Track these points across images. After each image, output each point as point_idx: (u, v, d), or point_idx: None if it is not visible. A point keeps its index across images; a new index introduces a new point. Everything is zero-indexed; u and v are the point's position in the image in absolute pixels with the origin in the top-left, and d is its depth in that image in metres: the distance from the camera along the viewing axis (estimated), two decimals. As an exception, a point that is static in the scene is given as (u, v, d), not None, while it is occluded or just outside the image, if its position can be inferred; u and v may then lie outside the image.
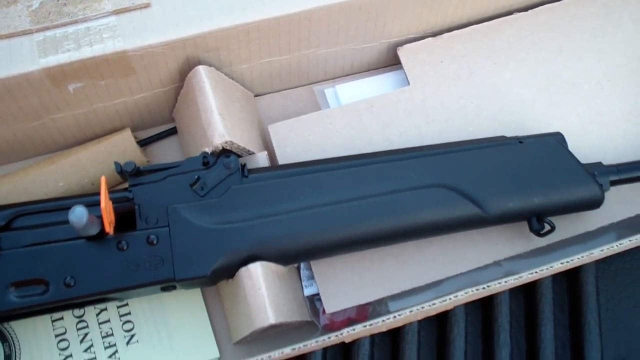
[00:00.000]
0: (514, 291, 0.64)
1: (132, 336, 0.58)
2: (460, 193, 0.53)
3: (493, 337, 0.62)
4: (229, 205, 0.53)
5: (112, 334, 0.58)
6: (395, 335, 0.62)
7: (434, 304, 0.48)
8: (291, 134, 0.60)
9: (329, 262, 0.57)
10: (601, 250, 0.51)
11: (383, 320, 0.47)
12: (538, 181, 0.55)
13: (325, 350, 0.61)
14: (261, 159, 0.58)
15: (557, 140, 0.57)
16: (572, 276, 0.65)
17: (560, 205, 0.55)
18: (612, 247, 0.51)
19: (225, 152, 0.55)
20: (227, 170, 0.54)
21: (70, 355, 0.57)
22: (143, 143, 0.63)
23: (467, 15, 0.64)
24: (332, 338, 0.48)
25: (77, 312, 0.58)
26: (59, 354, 0.57)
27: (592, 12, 0.65)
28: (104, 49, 0.53)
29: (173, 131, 0.64)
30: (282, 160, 0.59)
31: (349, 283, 0.57)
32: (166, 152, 0.64)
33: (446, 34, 0.64)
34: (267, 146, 0.61)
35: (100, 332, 0.58)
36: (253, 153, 0.58)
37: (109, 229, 0.50)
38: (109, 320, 0.58)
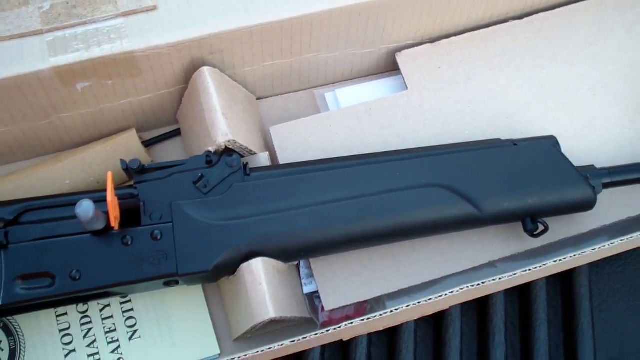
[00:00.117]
0: (509, 293, 0.65)
1: (135, 332, 0.59)
2: (456, 192, 0.55)
3: (488, 337, 0.63)
4: (231, 202, 0.54)
5: (115, 330, 0.59)
6: (392, 335, 0.63)
7: (430, 299, 0.49)
8: (292, 135, 0.62)
9: (328, 261, 0.58)
10: (593, 250, 0.52)
11: (380, 315, 0.49)
12: (532, 182, 0.56)
13: (323, 348, 0.62)
14: (263, 159, 0.60)
15: (551, 143, 0.58)
16: (565, 279, 0.66)
17: (553, 206, 0.56)
18: (604, 246, 0.52)
19: (228, 152, 0.57)
20: (229, 168, 0.55)
21: (74, 350, 0.58)
22: (147, 144, 0.65)
23: (464, 22, 0.66)
24: (331, 332, 0.49)
25: (81, 307, 0.59)
26: (63, 349, 0.58)
27: (585, 20, 0.67)
28: (112, 49, 0.54)
29: (177, 133, 0.66)
30: (283, 160, 0.61)
31: (347, 281, 0.58)
32: (170, 153, 0.66)
33: (443, 40, 0.66)
34: (269, 147, 0.63)
35: (104, 328, 0.59)
36: (255, 153, 0.59)
37: (114, 223, 0.51)
38: (112, 316, 0.59)
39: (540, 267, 0.51)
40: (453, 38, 0.66)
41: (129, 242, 0.53)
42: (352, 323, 0.49)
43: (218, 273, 0.54)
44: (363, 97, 0.66)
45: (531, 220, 0.56)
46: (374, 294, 0.57)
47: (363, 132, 0.62)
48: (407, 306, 0.49)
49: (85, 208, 0.49)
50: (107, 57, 0.54)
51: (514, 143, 0.58)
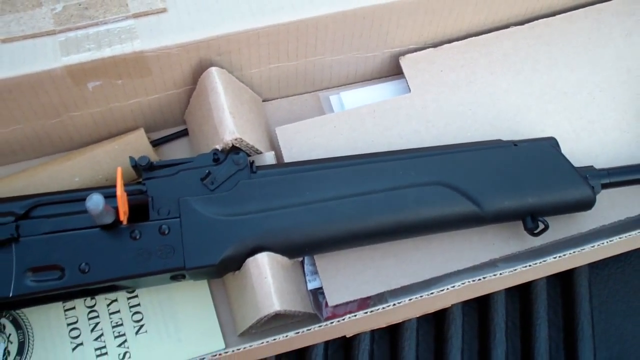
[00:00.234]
0: (510, 293, 0.66)
1: (141, 326, 0.60)
2: (458, 191, 0.56)
3: (489, 335, 0.64)
4: (237, 198, 0.55)
5: (121, 324, 0.60)
6: (394, 332, 0.64)
7: (432, 293, 0.50)
8: (297, 136, 0.63)
9: (332, 258, 0.59)
10: (592, 247, 0.53)
11: (383, 308, 0.50)
12: (532, 182, 0.57)
13: (326, 345, 0.63)
14: (268, 158, 0.61)
15: (550, 144, 0.60)
16: (565, 280, 0.67)
17: (553, 205, 0.58)
18: (603, 243, 0.53)
19: (235, 150, 0.58)
20: (236, 166, 0.57)
21: (81, 344, 0.59)
22: (155, 143, 0.66)
23: (466, 27, 0.68)
24: (335, 324, 0.50)
25: (89, 302, 0.60)
26: (71, 342, 0.59)
27: (584, 27, 0.69)
28: (123, 49, 0.56)
29: (184, 133, 0.67)
30: (288, 160, 0.62)
31: (351, 278, 0.59)
32: (177, 153, 0.67)
33: (446, 45, 0.68)
34: (274, 148, 0.64)
35: (111, 322, 0.60)
36: (261, 152, 0.61)
37: (123, 218, 0.53)
38: (119, 311, 0.60)
39: (540, 263, 0.52)
40: (455, 43, 0.68)
41: (137, 237, 0.54)
42: (355, 316, 0.49)
43: (224, 267, 0.55)
44: (367, 100, 0.67)
45: (531, 219, 0.57)
46: (377, 290, 0.58)
47: (366, 133, 0.63)
48: (410, 300, 0.50)
49: (96, 201, 0.50)
50: (117, 57, 0.56)
51: (515, 144, 0.60)
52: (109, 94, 0.59)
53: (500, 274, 0.51)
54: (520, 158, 0.58)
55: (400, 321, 0.63)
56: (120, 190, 0.51)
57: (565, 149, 0.61)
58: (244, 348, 0.48)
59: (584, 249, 0.53)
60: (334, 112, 0.68)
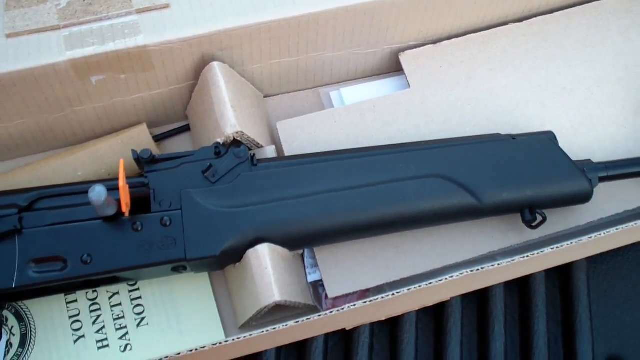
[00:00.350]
0: (509, 287, 0.66)
1: (143, 319, 0.60)
2: (457, 183, 0.57)
3: (488, 328, 0.64)
4: (238, 190, 0.56)
5: (123, 317, 0.60)
6: (394, 325, 0.64)
7: (430, 283, 0.51)
8: (298, 130, 0.64)
9: (332, 250, 0.60)
10: (589, 238, 0.53)
11: (382, 298, 0.50)
12: (530, 174, 0.58)
13: (326, 338, 0.64)
14: (269, 152, 0.62)
15: (548, 137, 0.60)
16: (564, 274, 0.67)
17: (551, 197, 0.58)
18: (601, 234, 0.54)
19: (236, 143, 0.59)
20: (237, 159, 0.57)
21: (83, 336, 0.59)
22: (157, 138, 0.67)
23: (465, 24, 0.68)
24: (335, 314, 0.50)
25: (91, 295, 0.61)
26: (72, 334, 0.59)
27: (582, 24, 0.69)
28: (126, 44, 0.57)
29: (186, 128, 0.68)
30: (289, 154, 0.63)
31: (350, 270, 0.59)
32: (179, 149, 0.67)
33: (445, 42, 0.68)
34: (275, 143, 0.65)
35: (112, 315, 0.60)
36: (262, 146, 0.61)
37: (125, 209, 0.53)
38: (120, 304, 0.61)
39: (538, 254, 0.52)
40: (454, 39, 0.68)
41: (139, 228, 0.54)
42: (354, 305, 0.50)
43: (225, 259, 0.56)
44: (367, 96, 0.68)
45: (529, 212, 0.58)
46: (377, 282, 0.59)
47: (367, 128, 0.64)
48: (408, 289, 0.50)
49: (98, 192, 0.51)
50: (120, 51, 0.57)
51: (513, 137, 0.60)
52: (112, 88, 0.60)
53: (499, 264, 0.52)
54: (519, 151, 0.59)
55: (400, 314, 0.63)
56: (122, 182, 0.52)
57: (563, 144, 0.61)
58: (244, 337, 0.49)
59: (581, 240, 0.53)
60: (335, 107, 0.69)
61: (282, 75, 0.67)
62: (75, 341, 0.59)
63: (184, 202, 0.55)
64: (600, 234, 0.54)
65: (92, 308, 0.60)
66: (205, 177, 0.56)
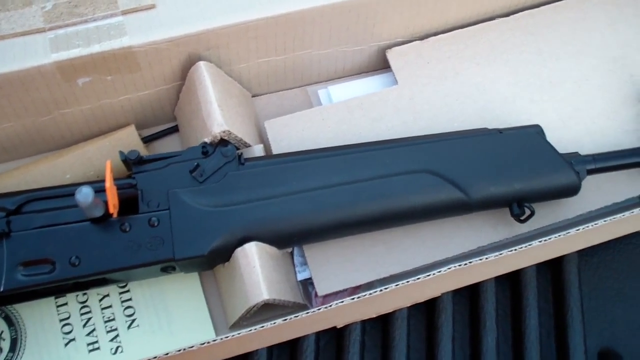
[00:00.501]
0: (500, 281, 0.66)
1: (133, 321, 0.60)
2: (444, 178, 0.57)
3: (480, 323, 0.64)
4: (226, 189, 0.56)
5: (113, 319, 0.60)
6: (385, 322, 0.64)
7: (418, 279, 0.51)
8: (286, 129, 0.64)
9: (321, 248, 0.60)
10: (577, 230, 0.53)
11: (370, 294, 0.50)
12: (518, 168, 0.58)
13: (318, 336, 0.63)
14: (257, 151, 0.62)
15: (536, 131, 0.60)
16: (555, 267, 0.67)
17: (539, 191, 0.58)
18: (588, 227, 0.53)
19: (223, 143, 0.59)
20: (224, 158, 0.57)
21: (74, 339, 0.59)
22: (146, 140, 0.67)
23: (452, 20, 0.68)
24: (323, 311, 0.50)
25: (81, 297, 0.61)
26: (63, 338, 0.59)
27: (569, 17, 0.69)
28: (111, 45, 0.57)
29: (174, 130, 0.68)
30: (277, 153, 0.63)
31: (340, 267, 0.59)
32: (168, 150, 0.65)
33: (432, 38, 0.68)
34: (263, 142, 0.64)
35: (103, 317, 0.60)
36: (250, 145, 0.61)
37: (113, 210, 0.53)
38: (111, 306, 0.61)
39: (526, 247, 0.52)
40: (441, 35, 0.68)
41: (127, 229, 0.54)
42: (342, 302, 0.50)
43: (214, 258, 0.55)
44: (355, 93, 0.68)
45: (517, 205, 0.58)
46: (367, 279, 0.59)
47: (355, 125, 0.64)
48: (397, 285, 0.50)
49: (85, 194, 0.51)
50: (106, 53, 0.57)
51: (500, 131, 0.60)
52: (98, 90, 0.60)
53: (487, 258, 0.52)
54: (506, 145, 0.59)
55: (391, 311, 0.63)
56: (109, 183, 0.52)
57: (552, 137, 0.61)
58: (232, 336, 0.49)
59: (569, 233, 0.53)
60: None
61: (270, 74, 0.67)
62: (66, 344, 0.59)
63: (172, 202, 0.55)
64: (588, 227, 0.54)
65: (83, 311, 0.60)
66: (192, 176, 0.56)
